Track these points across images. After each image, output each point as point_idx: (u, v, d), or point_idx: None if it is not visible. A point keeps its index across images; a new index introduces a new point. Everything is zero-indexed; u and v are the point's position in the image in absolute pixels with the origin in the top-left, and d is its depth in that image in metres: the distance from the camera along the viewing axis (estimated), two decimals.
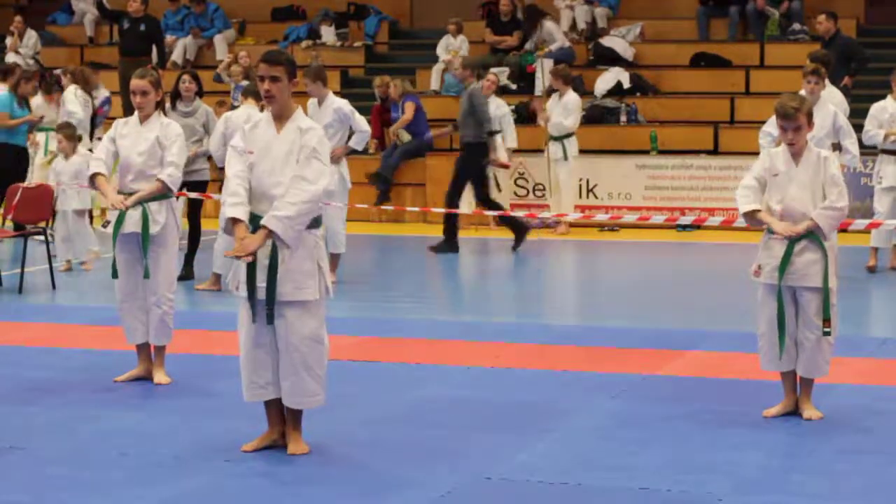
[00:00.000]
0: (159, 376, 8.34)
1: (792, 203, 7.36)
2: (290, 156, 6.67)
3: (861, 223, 12.57)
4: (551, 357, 9.28)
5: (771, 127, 12.27)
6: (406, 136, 18.62)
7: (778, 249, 7.37)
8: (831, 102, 12.74)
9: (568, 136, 16.92)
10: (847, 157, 12.20)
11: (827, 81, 12.94)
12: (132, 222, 8.35)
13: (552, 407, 7.78)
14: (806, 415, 7.43)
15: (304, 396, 6.72)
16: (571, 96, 16.96)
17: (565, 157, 16.89)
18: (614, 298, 12.80)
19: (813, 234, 7.35)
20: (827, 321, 7.36)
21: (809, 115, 7.37)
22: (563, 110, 16.83)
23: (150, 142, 8.40)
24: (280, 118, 6.75)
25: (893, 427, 7.36)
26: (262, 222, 6.55)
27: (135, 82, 8.46)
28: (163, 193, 8.44)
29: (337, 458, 6.72)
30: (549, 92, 17.39)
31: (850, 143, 12.18)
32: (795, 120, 7.34)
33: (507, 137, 17.98)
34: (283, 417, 6.84)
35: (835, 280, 7.39)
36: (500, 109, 17.87)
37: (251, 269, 6.64)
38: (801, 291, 7.36)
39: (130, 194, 8.40)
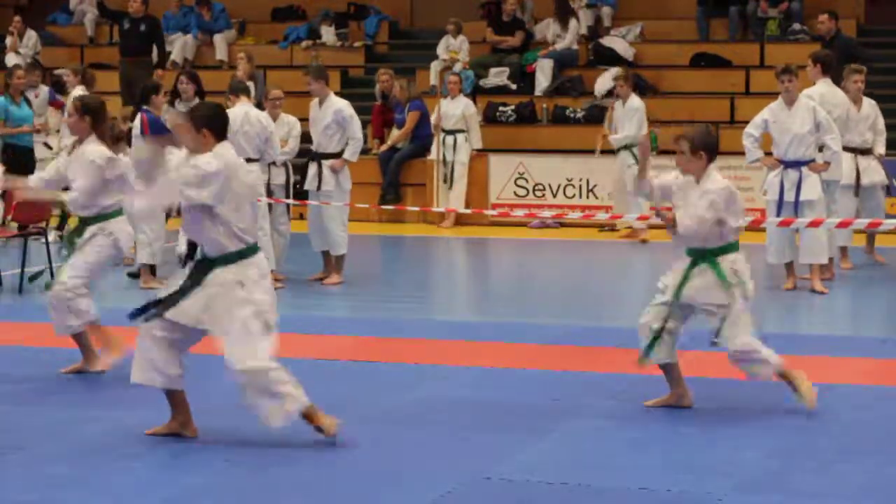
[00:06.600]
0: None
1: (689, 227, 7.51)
2: None
3: (861, 222, 12.59)
4: (551, 357, 9.28)
5: (753, 129, 12.31)
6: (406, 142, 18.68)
7: (678, 270, 7.60)
8: (833, 102, 12.74)
9: (636, 144, 16.25)
10: (829, 154, 12.17)
11: (829, 81, 12.94)
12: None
13: (552, 407, 7.78)
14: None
15: None
16: (634, 102, 16.45)
17: (637, 164, 16.40)
18: (615, 298, 12.80)
19: (712, 259, 7.51)
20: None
21: (694, 145, 7.51)
22: (628, 119, 16.35)
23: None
24: None
25: (893, 427, 7.37)
26: None
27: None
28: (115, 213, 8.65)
29: (337, 457, 6.72)
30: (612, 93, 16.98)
31: (831, 139, 12.10)
32: (678, 144, 7.55)
33: (472, 138, 18.14)
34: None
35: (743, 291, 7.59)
36: (467, 109, 18.26)
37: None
38: (700, 308, 7.61)
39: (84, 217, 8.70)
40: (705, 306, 7.57)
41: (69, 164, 8.66)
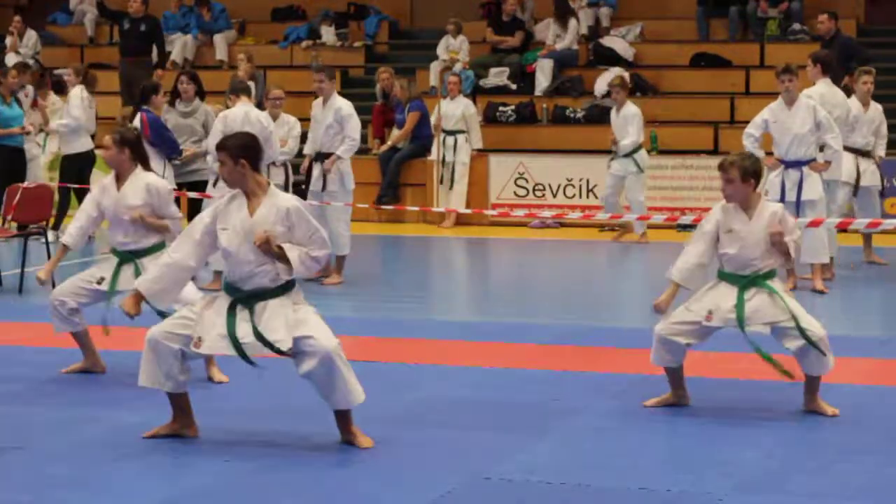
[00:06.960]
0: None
1: (745, 253, 7.48)
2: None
3: (861, 222, 12.59)
4: (551, 357, 9.28)
5: (754, 129, 12.32)
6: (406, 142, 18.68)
7: (728, 295, 7.50)
8: (833, 103, 12.74)
9: (637, 149, 16.30)
10: (829, 153, 12.18)
11: (829, 81, 12.95)
12: (125, 280, 8.37)
13: (552, 407, 7.78)
14: (830, 412, 7.53)
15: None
16: (630, 109, 16.25)
17: (640, 170, 16.23)
18: (615, 298, 12.80)
19: (761, 280, 7.48)
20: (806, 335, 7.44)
21: (746, 172, 7.46)
22: (626, 126, 16.19)
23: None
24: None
25: (893, 427, 7.37)
26: None
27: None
28: (158, 246, 8.47)
29: (336, 458, 6.72)
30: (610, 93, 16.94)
31: (832, 139, 12.10)
32: (727, 172, 7.48)
33: (472, 138, 18.20)
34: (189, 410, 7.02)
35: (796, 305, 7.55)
36: (467, 110, 18.33)
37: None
38: (763, 327, 7.52)
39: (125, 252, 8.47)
40: (772, 322, 7.49)
41: (113, 198, 8.49)
